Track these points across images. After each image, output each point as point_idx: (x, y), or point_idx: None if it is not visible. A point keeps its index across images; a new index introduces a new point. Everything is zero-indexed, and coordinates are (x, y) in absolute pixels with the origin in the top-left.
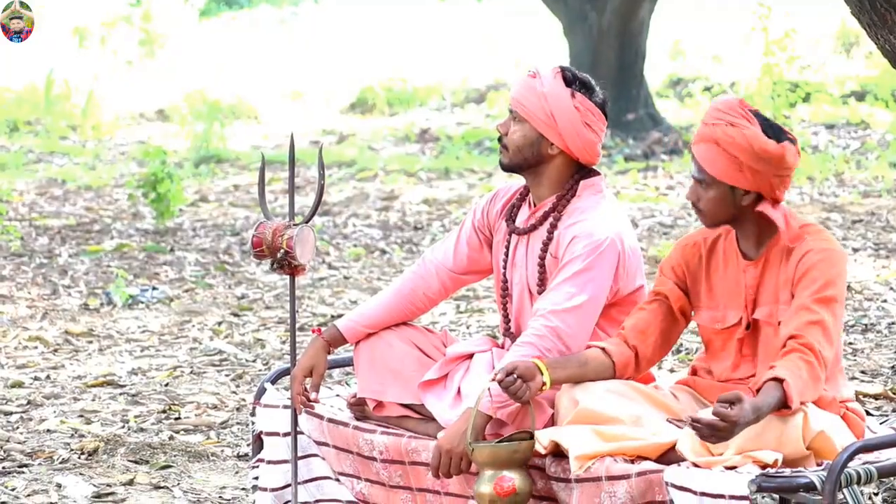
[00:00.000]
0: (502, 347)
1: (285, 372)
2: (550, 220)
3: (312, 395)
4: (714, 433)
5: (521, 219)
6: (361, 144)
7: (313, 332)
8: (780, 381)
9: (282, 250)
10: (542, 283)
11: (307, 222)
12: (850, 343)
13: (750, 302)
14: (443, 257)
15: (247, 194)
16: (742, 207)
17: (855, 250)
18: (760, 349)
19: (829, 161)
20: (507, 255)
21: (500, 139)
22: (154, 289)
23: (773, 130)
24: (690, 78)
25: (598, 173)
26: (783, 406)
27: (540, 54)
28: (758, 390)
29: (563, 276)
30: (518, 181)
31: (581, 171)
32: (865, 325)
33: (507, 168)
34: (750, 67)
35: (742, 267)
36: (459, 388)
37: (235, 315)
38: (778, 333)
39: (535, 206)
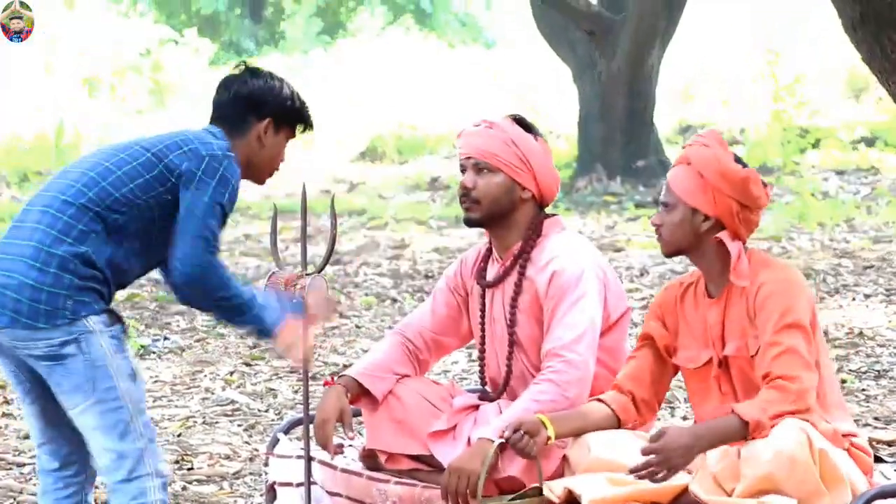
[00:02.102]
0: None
1: (298, 422)
2: (519, 263)
3: (350, 435)
4: (653, 470)
5: (492, 273)
6: (372, 193)
7: (326, 384)
8: (731, 410)
9: (294, 300)
10: (514, 325)
11: (320, 272)
12: (864, 389)
13: (717, 339)
14: (421, 321)
15: (258, 244)
16: (700, 235)
17: (867, 296)
18: (737, 384)
19: (839, 207)
20: (483, 313)
21: (465, 195)
22: (166, 339)
23: (742, 164)
24: (700, 124)
25: (556, 214)
26: (742, 423)
27: (550, 101)
28: None
29: (561, 312)
30: (476, 242)
31: (540, 212)
32: (878, 371)
33: (478, 223)
34: (759, 112)
35: (705, 306)
36: (469, 439)
37: (247, 365)
38: (752, 366)
39: (501, 257)
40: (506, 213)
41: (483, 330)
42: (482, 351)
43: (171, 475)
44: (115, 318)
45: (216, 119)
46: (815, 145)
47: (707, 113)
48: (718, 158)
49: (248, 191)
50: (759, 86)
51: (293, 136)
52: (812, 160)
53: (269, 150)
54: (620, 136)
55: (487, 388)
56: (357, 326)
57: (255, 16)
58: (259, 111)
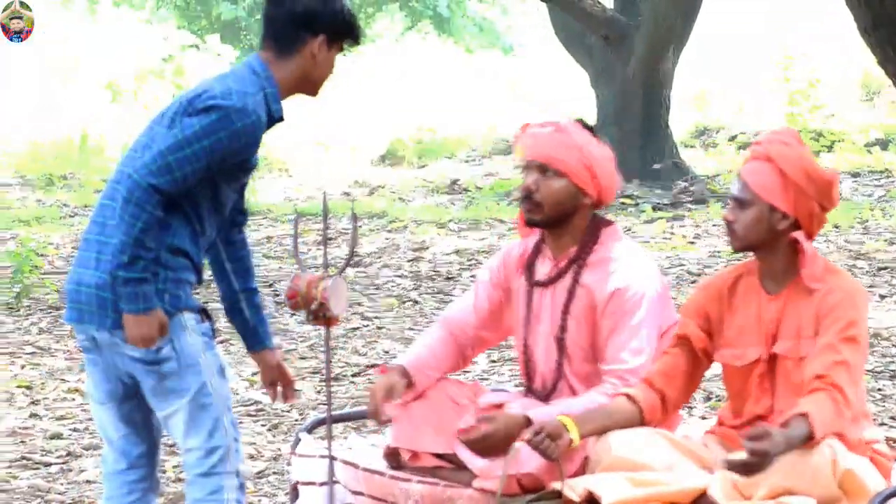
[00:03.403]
0: (533, 398)
1: (321, 422)
2: (574, 268)
3: (396, 405)
4: (749, 469)
5: (542, 272)
6: (391, 196)
7: (381, 371)
8: (804, 415)
9: (316, 301)
10: (564, 331)
11: (341, 274)
12: (879, 389)
13: (770, 336)
14: (464, 316)
15: (279, 246)
16: (776, 232)
17: (882, 297)
18: (779, 383)
19: (854, 209)
20: (528, 309)
21: (527, 197)
22: None
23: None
24: (715, 127)
25: (612, 221)
26: (809, 438)
27: (567, 105)
28: (784, 425)
29: (626, 334)
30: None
31: (595, 216)
32: (894, 371)
33: (539, 225)
34: (774, 116)
35: (763, 301)
36: None
37: None
38: (799, 368)
39: (555, 257)
40: (565, 217)
41: (526, 326)
42: (524, 346)
43: (250, 478)
44: (206, 316)
45: (268, 37)
46: (830, 148)
47: (722, 117)
48: (804, 158)
49: (269, 194)
50: (773, 90)
51: (342, 50)
52: (826, 163)
53: (321, 65)
54: (637, 139)
55: (535, 385)
56: (378, 328)
57: None
58: (313, 28)
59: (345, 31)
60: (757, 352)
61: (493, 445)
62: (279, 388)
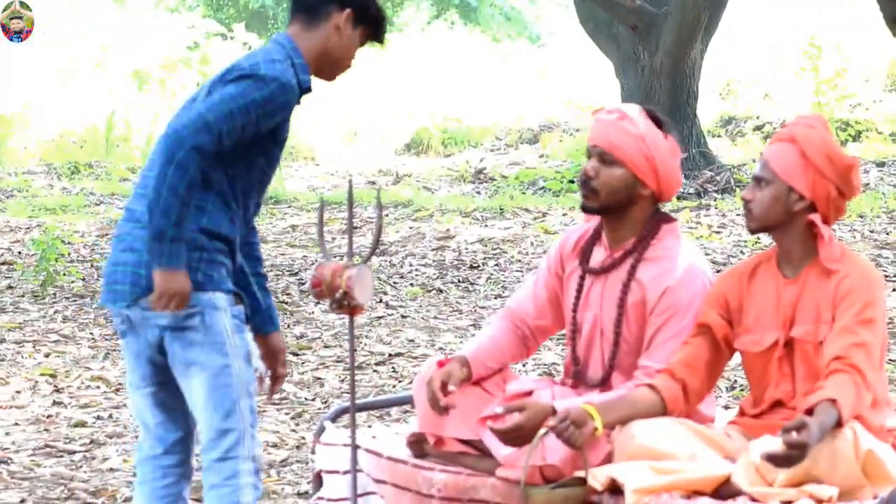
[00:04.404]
0: (563, 385)
1: (344, 410)
2: (630, 261)
3: (451, 388)
4: (789, 461)
5: (597, 259)
6: (417, 185)
7: (439, 364)
8: (832, 401)
9: (340, 290)
10: (619, 325)
11: (365, 262)
12: None
13: (787, 320)
14: (524, 306)
15: (304, 234)
16: (792, 213)
17: None
18: (798, 367)
19: (879, 198)
20: (578, 295)
21: (584, 182)
22: None
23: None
24: (742, 117)
25: (675, 218)
26: (838, 425)
27: (592, 95)
28: (809, 410)
29: (668, 334)
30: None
31: (657, 210)
32: None
33: (594, 212)
34: (801, 106)
35: (781, 285)
36: None
37: (294, 354)
38: (817, 352)
39: (611, 247)
40: (622, 207)
41: (575, 312)
42: (573, 330)
43: (264, 463)
44: (240, 300)
45: (297, 11)
46: (856, 138)
47: (749, 106)
48: (826, 141)
49: (294, 182)
50: (800, 79)
51: (364, 42)
52: (853, 152)
53: (344, 44)
54: None
55: (580, 368)
56: (402, 317)
57: None
58: (341, 0)
59: (371, 14)
60: (774, 335)
61: (522, 435)
62: (267, 381)
